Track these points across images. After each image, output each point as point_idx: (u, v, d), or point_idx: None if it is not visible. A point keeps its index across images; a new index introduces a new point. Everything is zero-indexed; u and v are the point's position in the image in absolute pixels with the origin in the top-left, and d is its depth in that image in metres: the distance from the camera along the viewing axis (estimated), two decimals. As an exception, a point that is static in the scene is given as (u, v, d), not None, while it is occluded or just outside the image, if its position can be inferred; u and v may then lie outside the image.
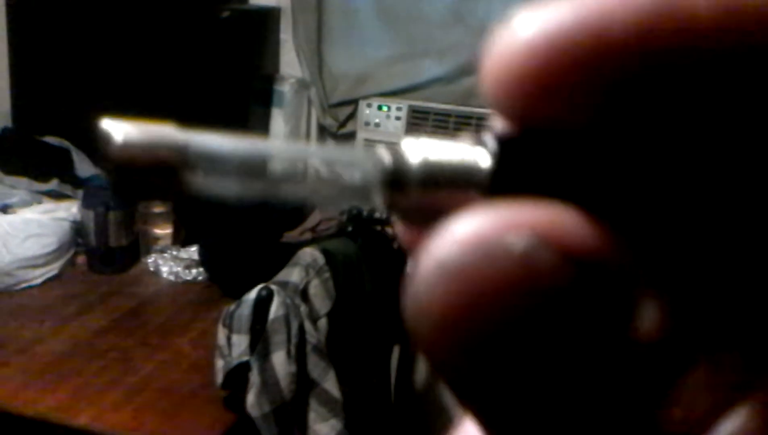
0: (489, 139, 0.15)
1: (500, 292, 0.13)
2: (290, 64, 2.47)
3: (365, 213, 2.13)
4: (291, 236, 2.15)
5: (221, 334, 1.56)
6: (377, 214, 2.24)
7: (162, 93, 2.27)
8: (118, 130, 0.15)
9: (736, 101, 0.13)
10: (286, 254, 2.02)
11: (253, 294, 1.55)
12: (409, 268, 0.14)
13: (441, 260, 0.13)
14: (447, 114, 2.32)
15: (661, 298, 0.13)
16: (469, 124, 2.30)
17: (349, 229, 1.99)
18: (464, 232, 0.13)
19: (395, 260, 2.23)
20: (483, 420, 0.14)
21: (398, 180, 0.15)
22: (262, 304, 1.55)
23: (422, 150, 0.15)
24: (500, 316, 0.13)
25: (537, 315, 0.13)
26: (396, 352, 2.43)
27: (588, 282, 0.13)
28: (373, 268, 1.93)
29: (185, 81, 2.30)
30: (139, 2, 2.24)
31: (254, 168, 0.16)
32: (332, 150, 0.16)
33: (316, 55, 2.43)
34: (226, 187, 0.16)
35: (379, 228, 2.24)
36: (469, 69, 2.32)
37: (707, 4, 0.12)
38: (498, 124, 0.15)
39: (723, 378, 0.13)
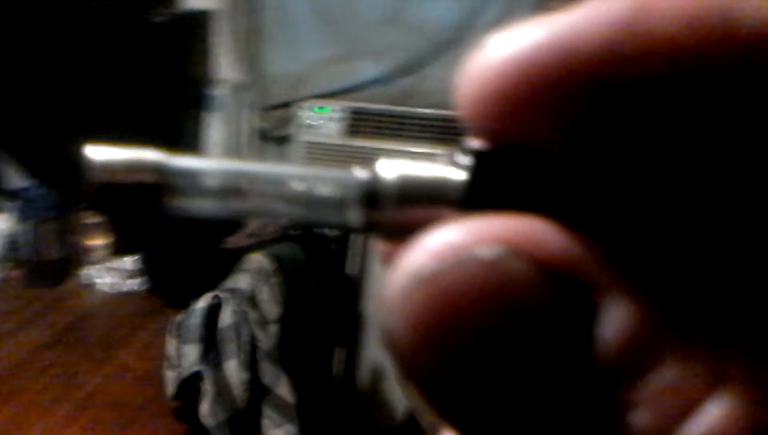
0: (462, 156, 0.15)
1: (472, 301, 0.13)
2: (224, 67, 2.44)
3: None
4: (233, 241, 2.12)
5: (170, 344, 1.53)
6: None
7: (94, 99, 2.22)
8: (98, 152, 0.16)
9: (698, 118, 0.13)
10: (229, 260, 2.00)
11: (202, 302, 1.52)
12: (383, 281, 0.14)
13: (414, 270, 0.13)
14: (385, 115, 2.32)
15: (629, 299, 0.13)
16: (407, 125, 2.30)
17: (294, 232, 1.97)
18: (436, 243, 0.14)
19: (335, 263, 2.22)
20: (458, 428, 0.14)
21: (375, 197, 0.16)
22: (212, 312, 1.52)
23: (398, 168, 0.16)
24: (472, 324, 0.13)
25: (508, 323, 0.13)
26: (339, 354, 2.43)
27: (557, 290, 0.13)
28: (317, 272, 1.93)
29: (117, 87, 2.25)
30: (70, 9, 2.18)
31: (232, 188, 0.16)
32: (309, 169, 0.16)
33: (251, 57, 2.40)
34: (205, 207, 0.16)
35: (327, 232, 2.23)
36: (406, 69, 2.32)
37: (671, 25, 0.12)
38: (471, 142, 0.15)
39: (692, 375, 0.13)
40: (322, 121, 2.37)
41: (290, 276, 1.71)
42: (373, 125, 2.33)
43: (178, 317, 1.55)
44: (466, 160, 0.15)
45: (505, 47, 0.14)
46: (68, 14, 2.20)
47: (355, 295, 2.51)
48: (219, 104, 2.41)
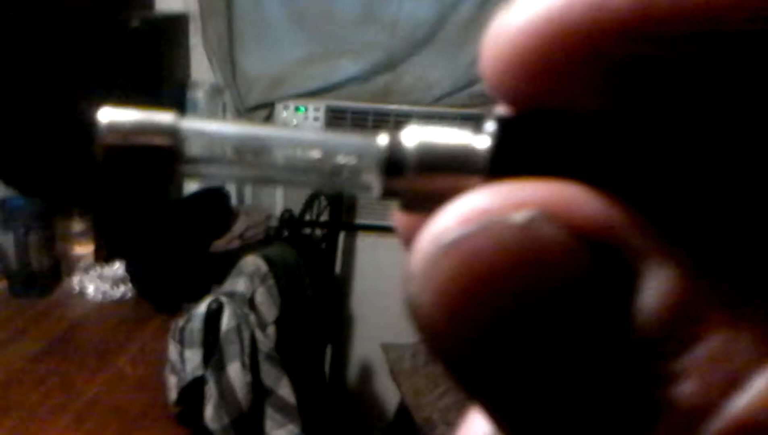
0: (487, 122, 0.15)
1: (502, 268, 0.12)
2: (202, 69, 2.44)
3: (297, 216, 2.13)
4: (219, 245, 2.13)
5: (173, 349, 1.54)
6: (307, 217, 2.25)
7: (72, 105, 2.21)
8: (108, 114, 0.15)
9: (736, 81, 0.12)
10: (217, 264, 2.01)
11: (202, 307, 1.54)
12: (405, 260, 0.14)
13: (440, 236, 0.13)
14: (365, 112, 2.34)
15: (672, 265, 0.12)
16: (387, 122, 2.33)
17: (286, 233, 1.98)
18: (463, 207, 0.13)
19: (323, 263, 2.24)
20: (489, 407, 0.13)
21: (395, 164, 0.15)
22: (212, 316, 1.53)
23: (420, 135, 0.15)
24: (502, 292, 0.12)
25: (541, 291, 0.12)
26: (328, 353, 2.45)
27: (594, 256, 0.12)
28: (309, 272, 1.94)
29: (96, 93, 2.23)
30: (46, 15, 2.17)
31: (247, 152, 0.15)
32: (327, 134, 0.16)
33: (228, 59, 2.40)
34: (218, 172, 0.15)
35: (308, 231, 2.25)
36: (383, 67, 2.34)
37: None
38: (496, 109, 0.15)
39: (741, 345, 0.12)
40: (302, 120, 2.38)
41: (284, 277, 1.72)
42: (353, 123, 2.35)
43: (179, 322, 1.56)
44: (491, 126, 0.15)
45: (534, 5, 0.14)
46: (45, 20, 2.18)
47: (343, 294, 2.53)
48: (198, 107, 2.41)
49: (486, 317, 0.12)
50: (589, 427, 0.13)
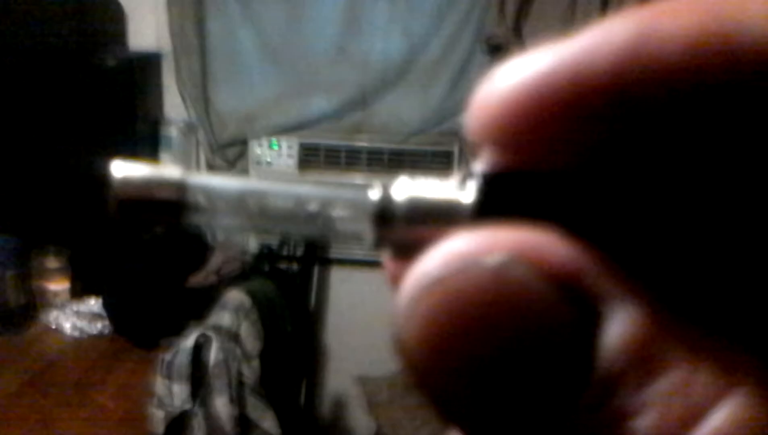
0: (472, 176, 0.16)
1: (477, 306, 0.13)
2: (176, 107, 2.46)
3: (275, 250, 2.16)
4: (196, 280, 2.15)
5: (160, 384, 1.55)
6: (284, 251, 2.27)
7: (47, 142, 2.22)
8: (120, 168, 0.16)
9: (704, 136, 0.13)
10: (193, 299, 2.02)
11: (190, 341, 1.55)
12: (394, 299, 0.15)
13: (422, 276, 0.14)
14: (337, 149, 2.38)
15: (634, 305, 0.13)
16: (359, 159, 2.38)
17: (266, 268, 2.01)
18: (444, 251, 0.14)
19: (298, 297, 2.27)
20: (466, 432, 0.14)
21: (386, 217, 0.16)
22: (198, 350, 1.55)
23: (409, 188, 0.16)
24: (477, 329, 0.13)
25: (512, 329, 0.13)
26: (302, 385, 2.46)
27: (561, 297, 0.13)
28: (287, 306, 1.97)
29: (70, 130, 2.25)
30: (20, 53, 2.18)
31: (248, 207, 0.17)
32: (324, 189, 0.17)
33: (201, 96, 2.43)
34: (222, 223, 0.17)
35: (284, 265, 2.27)
36: (354, 104, 2.39)
37: (674, 48, 0.13)
38: (479, 163, 0.16)
39: (700, 380, 0.12)
40: (275, 157, 2.42)
41: (266, 311, 1.75)
42: (326, 160, 2.39)
43: (166, 356, 1.57)
44: (475, 179, 0.16)
45: (518, 73, 0.15)
46: (18, 58, 2.19)
47: (316, 327, 2.55)
48: (171, 144, 2.43)
49: (463, 350, 0.13)
50: None
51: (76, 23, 2.26)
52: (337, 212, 0.17)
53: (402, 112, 2.40)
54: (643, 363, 0.13)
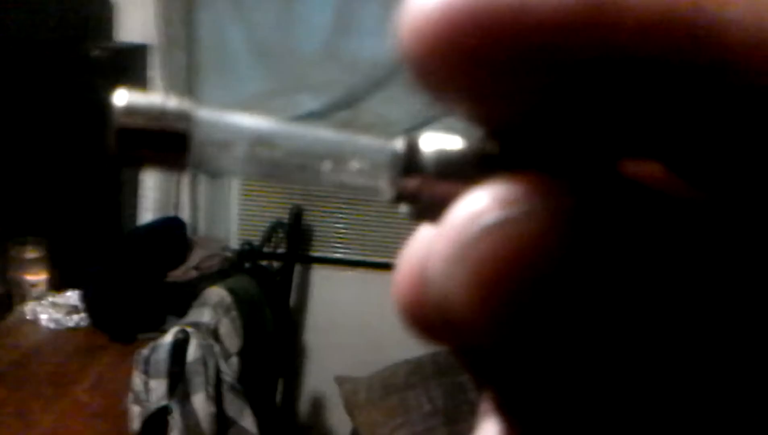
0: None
1: (548, 254, 0.12)
2: (161, 101, 2.44)
3: (256, 247, 2.15)
4: (175, 275, 2.13)
5: (138, 379, 1.54)
6: (265, 249, 2.26)
7: (32, 134, 2.20)
8: (122, 96, 0.15)
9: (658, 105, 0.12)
10: (172, 294, 2.01)
11: (169, 337, 1.54)
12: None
13: (478, 218, 0.12)
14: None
15: None
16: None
17: (247, 265, 2.00)
18: (502, 192, 0.13)
19: (279, 295, 2.26)
20: (508, 398, 0.13)
21: (411, 169, 0.15)
22: (178, 346, 1.54)
23: (437, 141, 0.15)
24: (545, 277, 0.12)
25: (590, 279, 0.12)
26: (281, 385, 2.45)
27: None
28: (268, 304, 1.96)
29: (55, 121, 2.23)
30: (6, 45, 2.15)
31: (260, 147, 0.15)
32: (342, 136, 0.16)
33: (186, 90, 2.42)
34: (229, 163, 0.15)
35: (264, 263, 2.26)
36: (343, 104, 2.39)
37: (643, 14, 0.11)
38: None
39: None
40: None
41: (246, 309, 1.74)
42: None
43: (144, 352, 1.56)
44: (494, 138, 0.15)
45: None
46: (4, 47, 2.17)
47: (296, 326, 2.54)
48: (156, 137, 2.41)
49: (528, 301, 0.12)
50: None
51: (63, 13, 2.25)
52: (354, 164, 0.15)
53: (390, 112, 2.39)
54: None
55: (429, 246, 0.13)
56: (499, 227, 0.12)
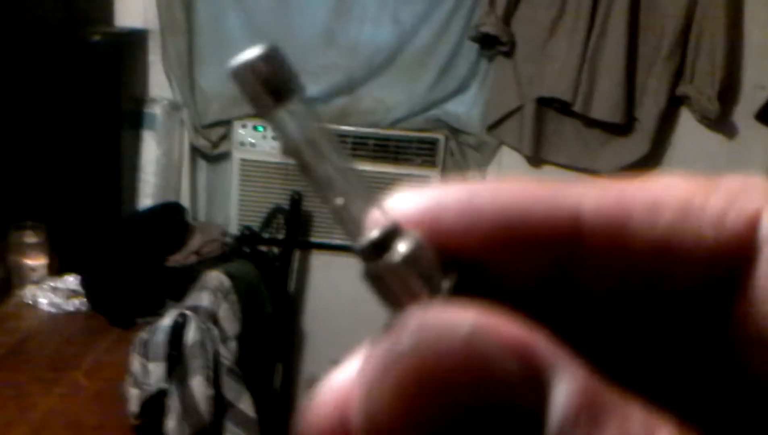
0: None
1: (448, 373, 0.14)
2: (161, 86, 2.44)
3: (256, 233, 2.15)
4: (175, 260, 2.14)
5: (136, 362, 1.54)
6: (265, 235, 2.27)
7: (32, 118, 2.20)
8: (254, 51, 0.18)
9: None
10: (172, 279, 2.02)
11: (168, 321, 1.55)
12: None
13: (395, 345, 0.15)
14: (322, 133, 2.37)
15: (575, 371, 0.15)
16: (344, 144, 2.37)
17: (247, 250, 2.00)
18: (415, 321, 0.15)
19: (278, 280, 2.26)
20: None
21: (373, 258, 0.17)
22: (176, 329, 1.54)
23: (407, 242, 0.17)
24: (447, 394, 0.14)
25: (480, 394, 0.14)
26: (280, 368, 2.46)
27: (521, 363, 0.14)
28: (267, 289, 1.96)
29: (55, 106, 2.23)
30: (4, 28, 2.15)
31: (311, 154, 0.18)
32: (352, 187, 0.18)
33: (186, 76, 2.42)
34: (290, 133, 0.18)
35: (264, 248, 2.27)
36: (342, 89, 2.39)
37: None
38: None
39: (634, 423, 0.15)
40: (260, 139, 2.41)
41: (245, 293, 1.74)
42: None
43: (143, 335, 1.57)
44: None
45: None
46: (2, 31, 2.17)
47: (295, 311, 2.55)
48: (155, 122, 2.41)
49: (434, 415, 0.14)
50: None
51: (62, -3, 2.25)
52: (351, 211, 0.17)
53: (389, 99, 2.39)
54: (586, 417, 0.14)
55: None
56: (412, 353, 0.15)
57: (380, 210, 0.18)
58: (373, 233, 0.17)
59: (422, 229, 0.17)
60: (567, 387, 0.14)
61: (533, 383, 0.14)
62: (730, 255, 0.17)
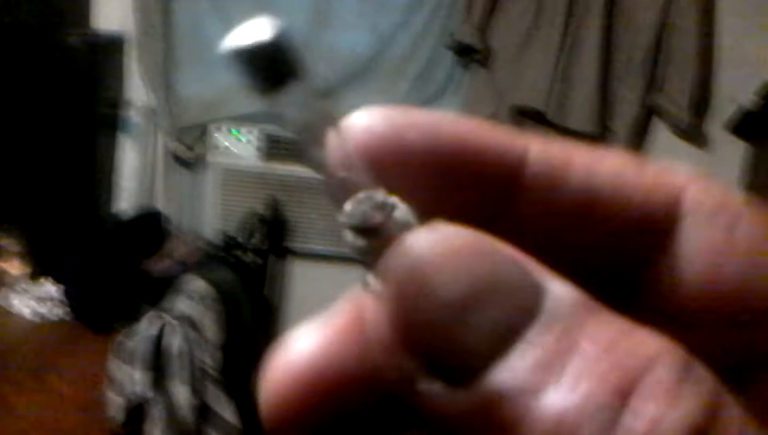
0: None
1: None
2: (138, 90, 2.44)
3: (237, 240, 2.16)
4: (154, 266, 2.14)
5: (119, 370, 1.55)
6: (247, 242, 2.27)
7: (7, 121, 2.18)
8: (270, 25, 0.17)
9: None
10: (151, 285, 2.01)
11: (153, 329, 1.55)
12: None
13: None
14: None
15: (564, 280, 0.16)
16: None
17: (231, 259, 2.01)
18: (427, 233, 0.16)
19: (257, 286, 2.27)
20: None
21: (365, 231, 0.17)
22: (161, 338, 1.55)
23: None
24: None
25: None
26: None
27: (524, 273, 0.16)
28: (248, 296, 1.97)
29: (31, 109, 2.22)
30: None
31: (313, 136, 0.18)
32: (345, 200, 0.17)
33: (163, 80, 2.41)
34: (291, 112, 0.18)
35: (246, 257, 2.27)
36: (321, 97, 2.39)
37: None
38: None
39: (630, 341, 0.15)
40: (235, 143, 2.41)
41: (228, 301, 1.75)
42: (286, 148, 2.40)
43: (126, 342, 1.57)
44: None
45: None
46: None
47: (274, 319, 2.55)
48: (132, 127, 2.41)
49: (447, 307, 0.15)
50: None
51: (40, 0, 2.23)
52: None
53: (366, 106, 2.40)
54: (585, 308, 0.15)
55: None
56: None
57: (339, 131, 0.18)
58: (369, 215, 0.17)
59: (383, 151, 0.18)
60: (561, 289, 0.15)
61: (532, 284, 0.15)
62: (655, 223, 0.18)
